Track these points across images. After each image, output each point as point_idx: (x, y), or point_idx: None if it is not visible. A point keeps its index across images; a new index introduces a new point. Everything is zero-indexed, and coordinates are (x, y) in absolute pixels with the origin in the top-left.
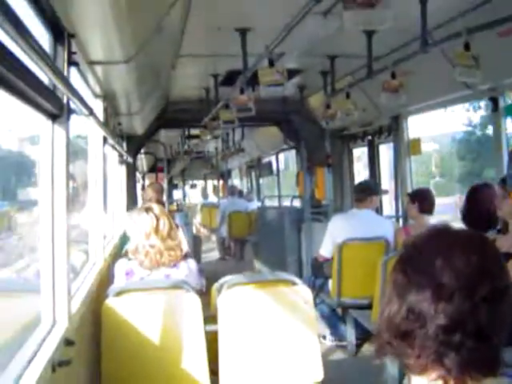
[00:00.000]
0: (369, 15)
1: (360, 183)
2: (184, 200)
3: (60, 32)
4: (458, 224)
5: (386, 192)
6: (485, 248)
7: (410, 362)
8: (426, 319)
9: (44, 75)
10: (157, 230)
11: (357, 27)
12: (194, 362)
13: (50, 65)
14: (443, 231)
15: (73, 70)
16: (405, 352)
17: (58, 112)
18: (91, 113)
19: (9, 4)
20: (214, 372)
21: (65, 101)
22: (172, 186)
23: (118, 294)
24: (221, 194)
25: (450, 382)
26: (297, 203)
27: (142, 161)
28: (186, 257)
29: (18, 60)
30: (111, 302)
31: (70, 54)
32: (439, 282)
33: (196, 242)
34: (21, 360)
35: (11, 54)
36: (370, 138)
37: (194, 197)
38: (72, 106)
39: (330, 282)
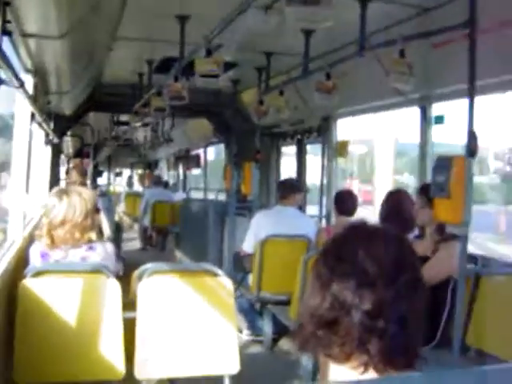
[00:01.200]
0: (311, 13)
1: (284, 180)
2: (108, 187)
3: None
4: None
5: (307, 190)
6: (402, 241)
7: (334, 351)
8: (351, 306)
9: None
10: (66, 221)
11: (298, 24)
12: (110, 347)
13: None
14: (362, 225)
15: (5, 40)
16: (329, 341)
17: None
18: (21, 85)
19: None
20: (129, 359)
21: None
22: (97, 172)
23: (36, 274)
24: (146, 184)
25: (371, 370)
26: (222, 197)
27: (68, 144)
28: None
29: None
30: (28, 282)
31: (4, 22)
32: (362, 269)
33: (118, 229)
34: None
35: None
36: (299, 137)
37: (119, 185)
38: (2, 76)
39: (251, 277)
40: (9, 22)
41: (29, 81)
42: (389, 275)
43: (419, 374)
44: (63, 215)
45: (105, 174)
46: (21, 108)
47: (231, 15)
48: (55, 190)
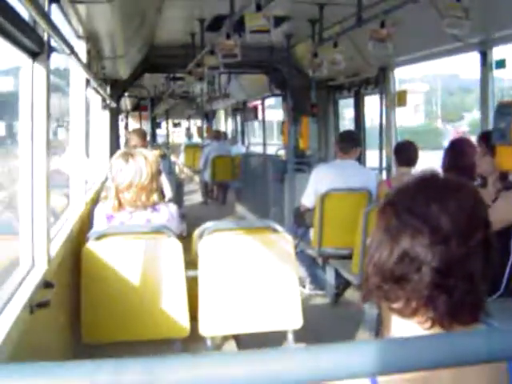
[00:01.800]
0: None
1: (344, 133)
2: (167, 140)
3: None
4: None
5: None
6: (476, 195)
7: (400, 305)
8: (422, 263)
9: (24, 11)
10: (133, 184)
11: None
12: (174, 307)
13: (31, 1)
14: (434, 177)
15: (54, 8)
16: (395, 296)
17: (38, 49)
18: (72, 51)
19: None
20: (193, 317)
21: (45, 38)
22: (155, 124)
23: (99, 237)
24: (205, 135)
25: (436, 325)
26: (281, 152)
27: (126, 100)
28: (166, 202)
29: None
30: (91, 245)
31: None
32: (436, 225)
33: (179, 186)
34: None
35: None
36: (356, 89)
37: (178, 136)
38: (53, 44)
39: (312, 232)
40: None
41: (81, 47)
42: (463, 232)
43: (486, 328)
44: (130, 178)
45: (163, 125)
46: (75, 74)
47: None
48: (120, 152)
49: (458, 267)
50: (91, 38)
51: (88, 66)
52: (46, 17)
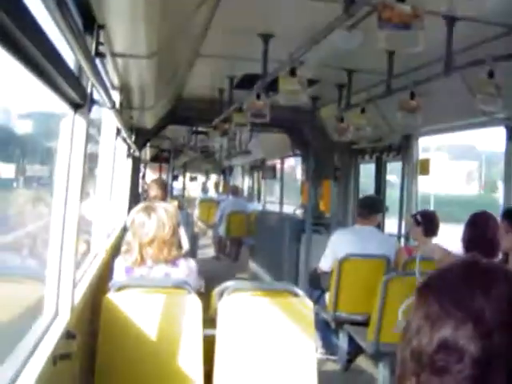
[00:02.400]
0: (403, 36)
1: (365, 198)
2: (183, 193)
3: (91, 21)
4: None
5: (387, 209)
6: None
7: None
8: (463, 354)
9: (71, 63)
10: (157, 236)
11: (391, 48)
12: (189, 363)
13: (81, 52)
14: (476, 264)
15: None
16: (431, 383)
17: (80, 101)
18: (113, 106)
19: None
20: (207, 376)
21: (88, 90)
22: (173, 177)
23: (120, 288)
24: (221, 191)
25: None
26: (298, 211)
27: (146, 150)
28: (185, 256)
29: (50, 44)
30: (112, 296)
31: (98, 44)
32: (479, 317)
33: (194, 239)
34: (22, 351)
35: (45, 37)
36: (378, 154)
37: (193, 190)
38: (95, 96)
39: (327, 295)
40: (102, 43)
41: (115, 97)
42: (506, 323)
43: None
44: (153, 233)
45: (180, 179)
46: (108, 124)
47: (316, 35)
48: (141, 206)
49: (500, 360)
50: (124, 89)
51: (120, 116)
52: (93, 69)
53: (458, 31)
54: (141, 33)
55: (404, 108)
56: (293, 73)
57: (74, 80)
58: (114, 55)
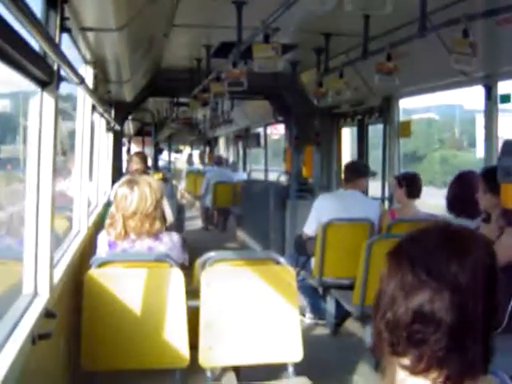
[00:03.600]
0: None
1: (350, 163)
2: (169, 165)
3: None
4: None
5: (374, 174)
6: (490, 248)
7: (411, 362)
8: (439, 324)
9: (35, 42)
10: (137, 211)
11: (357, 11)
12: (174, 336)
13: (41, 32)
14: (452, 231)
15: (64, 35)
16: (407, 353)
17: (47, 79)
18: (82, 81)
19: None
20: (193, 347)
21: (55, 68)
22: (158, 150)
23: (101, 264)
24: (206, 161)
25: (448, 382)
26: (283, 178)
27: (129, 124)
28: (169, 229)
29: (9, 26)
30: (94, 272)
31: (63, 19)
32: (455, 287)
33: (180, 211)
34: (0, 332)
35: (2, 20)
36: (359, 117)
37: (179, 162)
38: (62, 73)
39: (313, 261)
40: (67, 18)
41: (89, 72)
42: (483, 292)
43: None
44: (135, 206)
45: (165, 152)
46: (82, 100)
47: (287, 1)
48: (124, 179)
49: (476, 328)
50: (98, 63)
51: (95, 92)
52: (57, 47)
53: None
54: (109, 5)
55: (381, 70)
56: (266, 39)
57: (39, 58)
58: (82, 30)
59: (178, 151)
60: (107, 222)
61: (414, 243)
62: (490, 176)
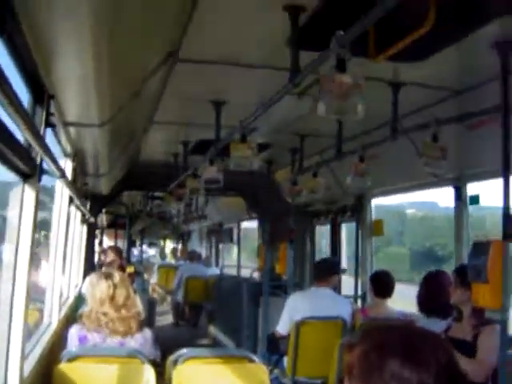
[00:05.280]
0: (341, 105)
1: (321, 261)
2: (141, 259)
3: (40, 92)
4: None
5: (343, 271)
6: (451, 351)
7: None
8: None
9: (20, 135)
10: (112, 299)
11: (330, 116)
12: None
13: (28, 125)
14: (416, 334)
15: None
16: None
17: (30, 172)
18: (63, 175)
19: None
20: None
21: (38, 161)
22: (130, 243)
23: (72, 359)
24: (179, 255)
25: None
26: (256, 274)
27: (102, 216)
28: (141, 326)
29: None
30: (64, 367)
31: (48, 115)
32: None
33: (151, 305)
34: None
35: None
36: (333, 216)
37: (152, 255)
38: (44, 165)
39: (286, 359)
40: (52, 114)
41: (68, 165)
42: None
43: None
44: (108, 299)
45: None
46: (60, 192)
47: (266, 102)
48: (98, 273)
49: None
50: (78, 157)
51: (73, 184)
52: (42, 141)
53: (404, 96)
54: (92, 102)
55: (354, 172)
56: (243, 139)
57: (23, 151)
58: (65, 124)
59: (151, 245)
60: (79, 313)
61: (383, 348)
62: (462, 271)
